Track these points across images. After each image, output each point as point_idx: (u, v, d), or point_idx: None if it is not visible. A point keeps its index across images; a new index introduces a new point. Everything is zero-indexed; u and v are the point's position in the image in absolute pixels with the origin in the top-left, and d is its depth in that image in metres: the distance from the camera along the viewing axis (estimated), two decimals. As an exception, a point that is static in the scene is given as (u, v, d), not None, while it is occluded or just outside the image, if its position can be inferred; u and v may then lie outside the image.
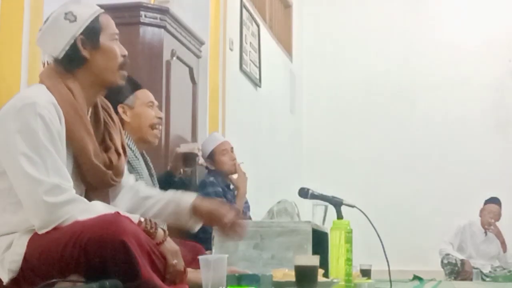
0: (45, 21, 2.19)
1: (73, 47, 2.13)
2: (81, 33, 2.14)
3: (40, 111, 1.98)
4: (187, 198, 2.35)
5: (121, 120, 3.22)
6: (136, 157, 3.34)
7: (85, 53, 2.15)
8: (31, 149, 1.95)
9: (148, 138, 3.36)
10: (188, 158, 4.04)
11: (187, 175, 4.49)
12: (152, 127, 3.35)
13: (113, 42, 2.20)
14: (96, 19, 2.18)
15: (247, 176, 4.75)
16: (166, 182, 3.68)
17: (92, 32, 2.15)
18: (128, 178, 2.37)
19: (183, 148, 4.00)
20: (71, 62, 2.14)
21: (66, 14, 2.14)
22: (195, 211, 2.33)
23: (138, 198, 2.35)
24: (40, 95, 2.04)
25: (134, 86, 3.37)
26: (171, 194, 2.38)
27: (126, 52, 2.24)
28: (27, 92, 2.17)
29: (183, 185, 3.93)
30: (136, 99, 3.34)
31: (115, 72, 2.20)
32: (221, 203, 2.37)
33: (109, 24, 2.22)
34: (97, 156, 2.13)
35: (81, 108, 2.12)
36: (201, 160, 4.53)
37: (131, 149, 3.29)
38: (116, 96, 3.10)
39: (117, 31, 2.24)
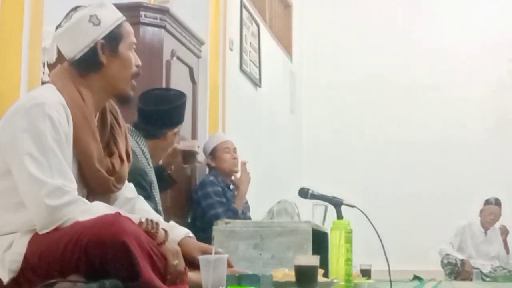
0: (66, 19, 2.18)
1: (92, 51, 2.14)
2: (103, 38, 2.15)
3: (49, 112, 1.98)
4: (178, 232, 2.29)
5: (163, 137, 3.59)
6: (149, 165, 3.42)
7: (102, 58, 2.15)
8: (37, 150, 1.95)
9: (158, 159, 3.74)
10: (188, 156, 4.00)
11: (186, 174, 4.49)
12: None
13: (130, 52, 2.22)
14: (119, 26, 2.19)
15: (250, 176, 4.72)
16: (156, 177, 3.67)
17: (113, 39, 2.17)
18: (126, 189, 2.35)
19: (183, 145, 3.97)
20: (87, 65, 2.15)
21: (91, 16, 2.15)
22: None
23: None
24: (50, 96, 2.05)
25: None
26: (165, 223, 2.33)
27: (140, 63, 2.25)
28: (37, 91, 2.17)
29: (172, 182, 3.92)
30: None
31: (127, 81, 2.21)
32: (206, 248, 2.31)
33: (130, 33, 2.23)
34: (100, 162, 2.13)
35: (89, 113, 2.12)
36: (200, 158, 4.52)
37: (145, 156, 3.50)
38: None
39: (135, 40, 2.25)
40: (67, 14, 2.20)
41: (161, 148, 3.65)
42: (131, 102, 2.29)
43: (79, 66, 2.15)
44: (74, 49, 2.15)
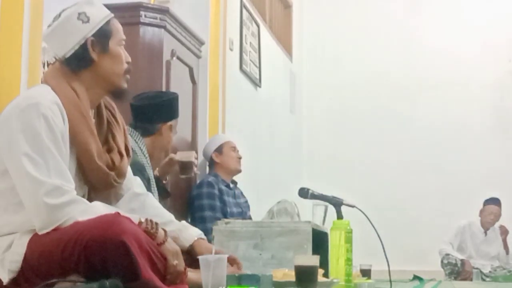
0: (54, 19, 2.18)
1: (83, 48, 2.14)
2: (93, 35, 2.15)
3: (44, 111, 1.98)
4: (191, 233, 2.35)
5: (159, 133, 3.58)
6: (148, 163, 3.46)
7: (93, 55, 2.16)
8: (33, 150, 1.95)
9: (157, 159, 3.70)
10: (185, 166, 3.99)
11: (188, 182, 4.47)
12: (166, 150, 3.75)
13: (120, 48, 2.22)
14: (107, 23, 2.19)
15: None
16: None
17: (103, 35, 2.17)
18: (132, 183, 2.36)
19: (180, 156, 3.97)
20: (78, 63, 2.15)
21: (79, 14, 2.15)
22: (191, 251, 2.32)
23: (144, 212, 2.26)
24: (45, 95, 2.05)
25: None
26: (177, 222, 2.36)
27: (130, 59, 2.26)
28: (31, 91, 2.17)
29: (166, 192, 3.90)
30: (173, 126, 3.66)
31: (120, 76, 2.22)
32: (218, 250, 2.33)
33: (119, 29, 2.24)
34: (100, 157, 2.13)
35: (85, 109, 2.12)
36: (200, 164, 4.50)
37: (144, 155, 3.48)
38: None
39: (124, 37, 2.26)
40: (57, 14, 2.20)
41: (158, 145, 3.62)
42: (126, 96, 2.30)
43: (71, 63, 2.15)
44: (65, 47, 2.14)
